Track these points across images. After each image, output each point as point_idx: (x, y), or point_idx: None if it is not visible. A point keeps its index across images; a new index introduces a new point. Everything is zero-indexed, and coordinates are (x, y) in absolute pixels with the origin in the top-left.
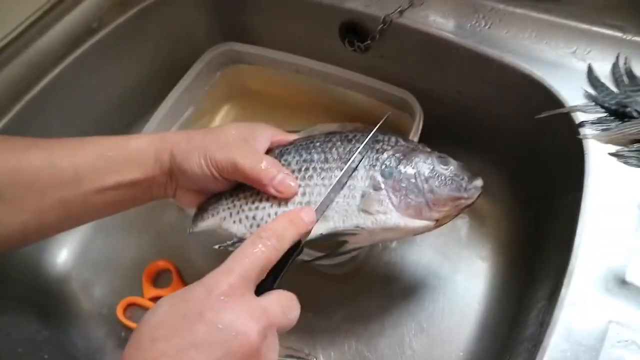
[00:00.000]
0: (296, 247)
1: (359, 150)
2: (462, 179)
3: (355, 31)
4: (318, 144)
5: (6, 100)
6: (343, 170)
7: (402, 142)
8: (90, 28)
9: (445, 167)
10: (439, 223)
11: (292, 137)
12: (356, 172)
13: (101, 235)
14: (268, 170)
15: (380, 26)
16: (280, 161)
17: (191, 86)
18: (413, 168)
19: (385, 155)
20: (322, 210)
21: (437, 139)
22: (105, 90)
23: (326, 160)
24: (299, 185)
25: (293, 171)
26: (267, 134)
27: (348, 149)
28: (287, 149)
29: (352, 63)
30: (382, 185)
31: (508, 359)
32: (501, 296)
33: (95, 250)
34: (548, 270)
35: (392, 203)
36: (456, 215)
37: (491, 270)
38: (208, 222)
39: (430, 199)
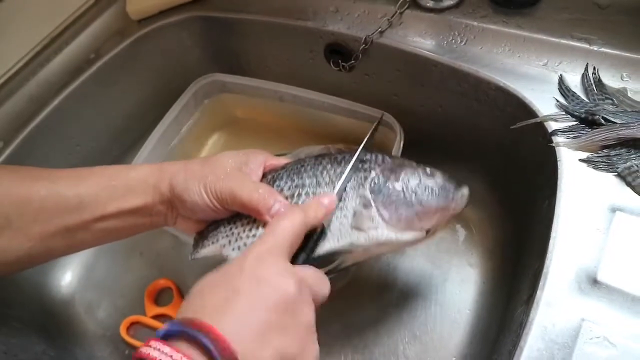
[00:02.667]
0: (321, 232)
1: (347, 171)
2: (449, 189)
3: (339, 52)
4: (309, 167)
5: (10, 131)
6: (336, 188)
7: (388, 159)
8: (88, 59)
9: (431, 178)
10: (429, 234)
11: (284, 161)
12: (346, 191)
13: (103, 257)
14: (265, 200)
15: (362, 46)
16: (273, 187)
17: (179, 116)
18: (401, 182)
19: (373, 173)
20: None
21: (422, 153)
22: (104, 118)
23: (318, 184)
24: None
25: (286, 197)
26: (260, 160)
27: (338, 172)
28: (279, 174)
29: (338, 82)
30: (372, 202)
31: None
32: (490, 301)
33: (98, 272)
34: (528, 273)
35: (382, 218)
36: (445, 225)
37: (480, 277)
38: (209, 249)
39: (420, 211)
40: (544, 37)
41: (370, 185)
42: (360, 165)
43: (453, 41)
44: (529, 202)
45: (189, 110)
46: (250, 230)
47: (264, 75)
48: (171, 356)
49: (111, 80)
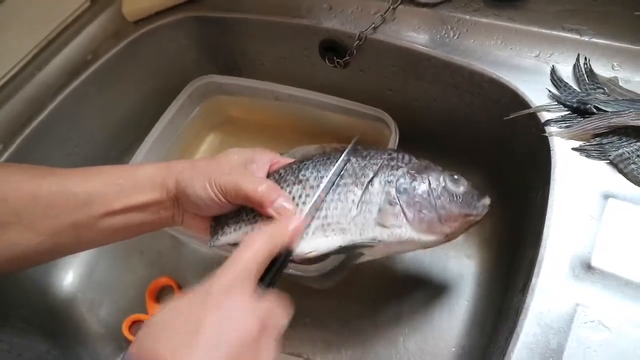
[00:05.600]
0: (288, 254)
1: (330, 175)
2: (472, 196)
3: (334, 49)
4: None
5: (9, 133)
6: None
7: (415, 159)
8: (85, 61)
9: (456, 184)
10: (448, 238)
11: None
12: (372, 187)
13: (105, 256)
14: (269, 193)
15: (357, 42)
16: (280, 184)
17: (175, 118)
18: (427, 185)
19: (399, 172)
20: (312, 213)
21: (417, 146)
22: (102, 119)
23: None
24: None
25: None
26: (267, 159)
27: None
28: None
29: (334, 79)
30: (397, 201)
31: (493, 347)
32: (488, 292)
33: (100, 271)
34: (524, 262)
35: (406, 218)
36: (464, 231)
37: (478, 268)
38: (230, 237)
39: (442, 215)
40: (536, 29)
41: (397, 183)
42: (387, 162)
43: (446, 35)
44: (524, 191)
45: (185, 112)
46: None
47: (259, 73)
48: None
49: (109, 82)
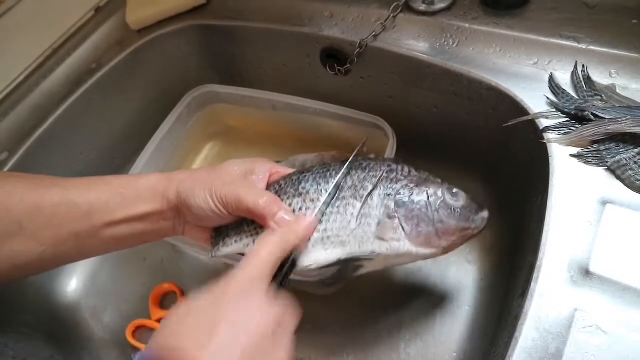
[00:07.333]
0: (296, 255)
1: (331, 188)
2: (470, 210)
3: (335, 56)
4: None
5: (14, 141)
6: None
7: (414, 172)
8: (89, 69)
9: (455, 198)
10: (446, 250)
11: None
12: (371, 200)
13: (108, 263)
14: (271, 206)
15: (357, 50)
16: (280, 195)
17: (174, 127)
18: (425, 199)
19: (399, 185)
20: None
21: (419, 152)
22: (106, 127)
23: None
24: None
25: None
26: (266, 169)
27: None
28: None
29: (335, 86)
30: (396, 214)
31: (493, 352)
32: (489, 297)
33: (103, 278)
34: (524, 268)
35: (404, 231)
36: (462, 244)
37: (479, 274)
38: (231, 248)
39: (440, 229)
40: (534, 37)
41: (396, 196)
42: (386, 175)
43: (445, 43)
44: (523, 197)
45: (184, 121)
46: None
47: (261, 81)
48: None
49: (113, 90)
